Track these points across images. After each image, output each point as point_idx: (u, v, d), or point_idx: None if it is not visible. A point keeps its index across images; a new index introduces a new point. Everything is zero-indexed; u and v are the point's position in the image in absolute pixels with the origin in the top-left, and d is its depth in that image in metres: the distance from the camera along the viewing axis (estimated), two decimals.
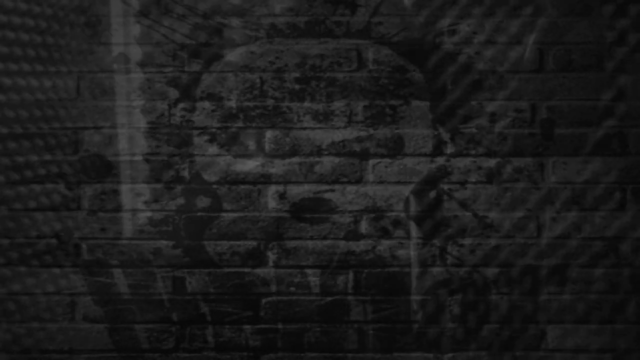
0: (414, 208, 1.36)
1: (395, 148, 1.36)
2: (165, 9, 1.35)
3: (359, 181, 1.36)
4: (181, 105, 1.35)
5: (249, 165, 1.35)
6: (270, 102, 1.35)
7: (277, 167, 1.35)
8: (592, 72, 1.35)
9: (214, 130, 1.35)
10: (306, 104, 1.35)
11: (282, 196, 1.35)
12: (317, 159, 1.36)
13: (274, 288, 1.36)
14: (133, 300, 1.35)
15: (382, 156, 1.36)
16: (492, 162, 1.36)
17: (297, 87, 1.35)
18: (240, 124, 1.35)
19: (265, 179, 1.35)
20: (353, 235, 1.36)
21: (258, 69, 1.35)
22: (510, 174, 1.35)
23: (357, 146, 1.36)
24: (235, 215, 1.36)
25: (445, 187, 1.36)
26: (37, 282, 1.35)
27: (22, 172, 1.35)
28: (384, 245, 1.36)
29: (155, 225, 1.35)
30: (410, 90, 1.35)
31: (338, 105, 1.35)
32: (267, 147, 1.36)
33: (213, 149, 1.35)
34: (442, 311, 1.36)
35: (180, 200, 1.35)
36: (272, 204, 1.35)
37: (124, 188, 1.35)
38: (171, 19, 1.35)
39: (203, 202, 1.35)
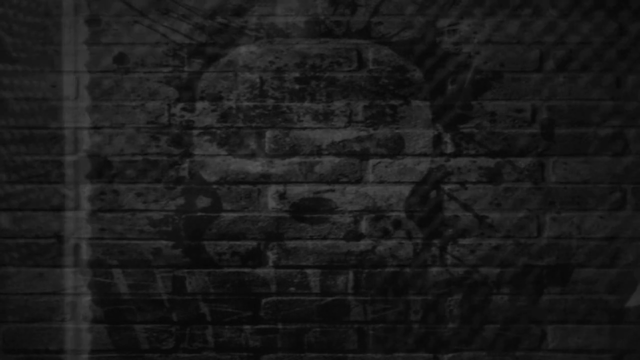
0: (414, 208, 1.36)
1: (395, 148, 1.35)
2: (165, 9, 1.35)
3: (359, 181, 1.36)
4: (181, 105, 1.35)
5: (249, 165, 1.35)
6: (270, 102, 1.35)
7: (277, 167, 1.35)
8: (592, 71, 1.35)
9: (213, 130, 1.35)
10: (306, 104, 1.35)
11: (282, 196, 1.35)
12: (317, 159, 1.35)
13: (273, 288, 1.36)
14: (133, 300, 1.35)
15: (382, 156, 1.35)
16: (492, 162, 1.35)
17: (297, 87, 1.35)
18: (240, 123, 1.35)
19: (265, 179, 1.35)
20: (353, 235, 1.36)
21: (258, 69, 1.35)
22: (511, 174, 1.35)
23: (357, 146, 1.35)
24: (235, 215, 1.35)
25: (446, 187, 1.35)
26: (37, 282, 1.35)
27: (22, 172, 1.34)
28: (384, 245, 1.36)
29: (155, 225, 1.35)
30: (410, 90, 1.35)
31: (338, 105, 1.35)
32: (267, 147, 1.35)
33: (213, 149, 1.35)
34: (442, 311, 1.36)
35: (180, 200, 1.35)
36: (272, 204, 1.35)
37: (123, 188, 1.35)
38: (171, 18, 1.35)
39: (203, 202, 1.35)
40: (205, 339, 1.35)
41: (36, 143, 1.35)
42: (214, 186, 1.35)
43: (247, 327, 1.36)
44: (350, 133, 1.35)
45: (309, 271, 1.36)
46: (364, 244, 1.36)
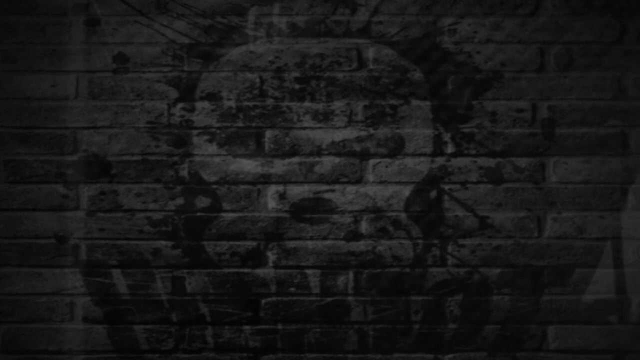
0: (414, 208, 1.35)
1: (395, 148, 1.35)
2: (165, 8, 1.34)
3: (359, 181, 1.35)
4: (180, 104, 1.35)
5: (249, 165, 1.35)
6: (270, 101, 1.35)
7: (277, 167, 1.35)
8: (593, 71, 1.35)
9: (213, 130, 1.35)
10: (306, 104, 1.35)
11: (282, 196, 1.35)
12: (317, 159, 1.35)
13: (273, 288, 1.35)
14: (132, 301, 1.35)
15: (383, 156, 1.35)
16: (492, 162, 1.35)
17: (297, 86, 1.35)
18: (239, 123, 1.35)
19: (265, 179, 1.35)
20: (353, 235, 1.35)
21: (258, 69, 1.35)
22: (511, 173, 1.35)
23: (357, 146, 1.35)
24: (235, 215, 1.35)
25: (446, 187, 1.35)
26: (37, 282, 1.35)
27: (21, 172, 1.34)
28: (384, 245, 1.35)
29: (154, 226, 1.35)
30: (411, 90, 1.35)
31: (338, 104, 1.35)
32: (266, 147, 1.35)
33: (212, 149, 1.35)
34: (442, 312, 1.35)
35: (180, 201, 1.35)
36: (271, 204, 1.35)
37: (123, 188, 1.35)
38: (171, 18, 1.34)
39: (202, 202, 1.35)
40: (205, 340, 1.35)
41: (36, 143, 1.34)
42: (214, 186, 1.35)
43: (246, 327, 1.35)
44: (350, 133, 1.35)
45: (309, 271, 1.35)
46: (364, 244, 1.35)
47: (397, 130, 1.35)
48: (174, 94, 1.35)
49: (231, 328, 1.35)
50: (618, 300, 1.35)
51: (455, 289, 1.35)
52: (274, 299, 1.36)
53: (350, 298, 1.35)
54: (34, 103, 1.34)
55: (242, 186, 1.35)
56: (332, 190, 1.35)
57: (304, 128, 1.35)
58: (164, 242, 1.35)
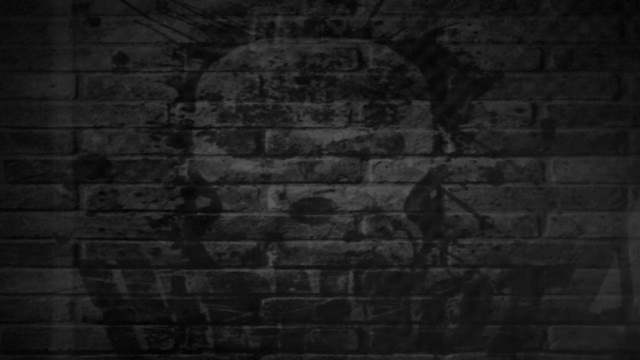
0: (414, 208, 1.35)
1: (395, 148, 1.35)
2: (165, 8, 1.34)
3: (359, 181, 1.35)
4: (180, 104, 1.35)
5: (249, 165, 1.35)
6: (269, 101, 1.35)
7: (277, 167, 1.35)
8: (593, 71, 1.35)
9: (213, 130, 1.35)
10: (306, 104, 1.35)
11: (282, 196, 1.35)
12: (317, 159, 1.35)
13: (273, 288, 1.35)
14: (132, 301, 1.35)
15: (383, 156, 1.35)
16: (492, 162, 1.35)
17: (296, 86, 1.35)
18: (239, 123, 1.35)
19: (265, 179, 1.35)
20: (353, 235, 1.35)
21: (257, 69, 1.35)
22: (511, 174, 1.35)
23: (357, 146, 1.35)
24: (235, 215, 1.35)
25: (446, 187, 1.35)
26: (37, 282, 1.35)
27: (21, 172, 1.34)
28: (385, 245, 1.35)
29: (154, 226, 1.35)
30: (411, 90, 1.35)
31: (338, 104, 1.35)
32: (266, 147, 1.35)
33: (212, 149, 1.35)
34: (442, 312, 1.35)
35: (180, 200, 1.35)
36: (271, 204, 1.35)
37: (123, 188, 1.34)
38: (170, 18, 1.34)
39: (202, 202, 1.35)
40: (205, 340, 1.35)
41: (36, 143, 1.34)
42: (214, 186, 1.35)
43: (246, 327, 1.35)
44: (350, 133, 1.35)
45: (309, 271, 1.35)
46: (364, 244, 1.35)
47: (397, 130, 1.35)
48: (173, 93, 1.35)
49: (231, 328, 1.35)
50: (619, 301, 1.35)
51: (455, 289, 1.35)
52: (274, 299, 1.36)
53: (350, 298, 1.35)
54: (34, 103, 1.34)
55: (242, 186, 1.35)
56: (332, 190, 1.35)
57: (304, 128, 1.35)
58: (164, 242, 1.35)
